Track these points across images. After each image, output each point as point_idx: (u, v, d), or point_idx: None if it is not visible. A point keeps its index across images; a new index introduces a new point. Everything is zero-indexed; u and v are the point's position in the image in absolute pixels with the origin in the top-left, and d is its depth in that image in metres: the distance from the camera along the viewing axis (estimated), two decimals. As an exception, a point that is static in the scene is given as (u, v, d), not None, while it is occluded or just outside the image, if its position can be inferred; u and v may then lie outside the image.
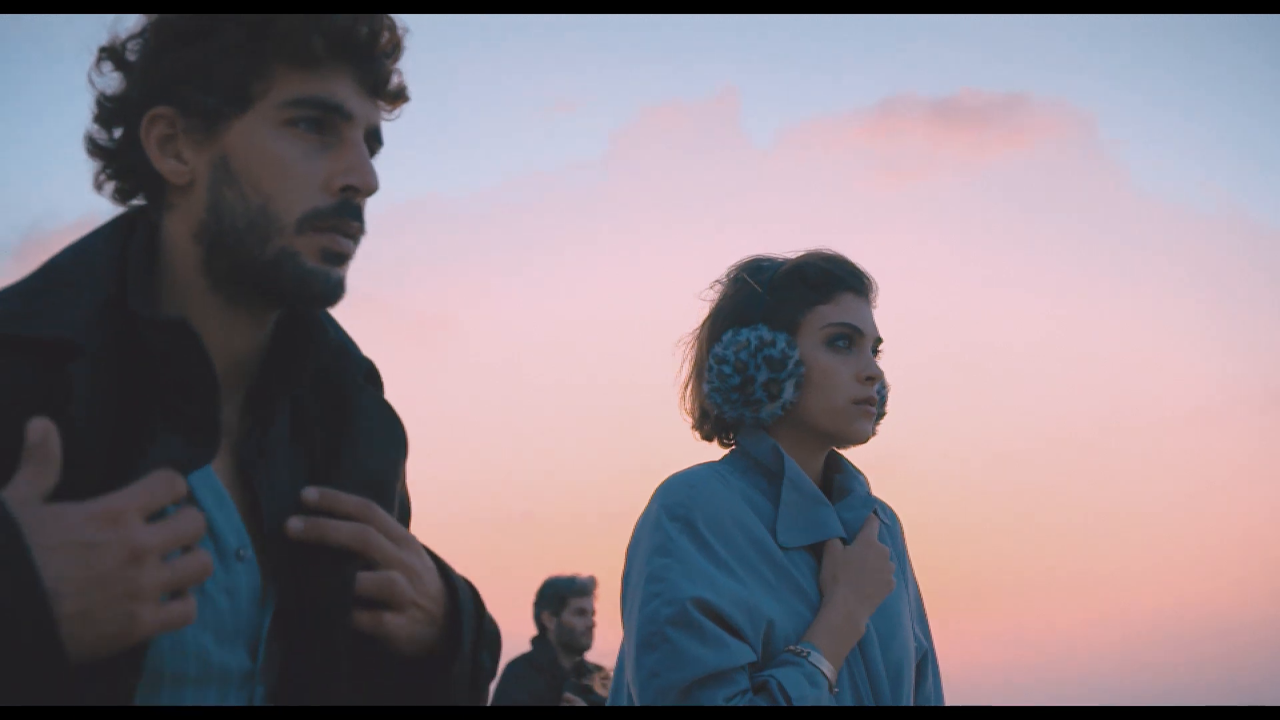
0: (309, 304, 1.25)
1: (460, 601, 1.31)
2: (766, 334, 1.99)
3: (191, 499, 1.18)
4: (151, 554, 0.98)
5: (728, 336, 2.02)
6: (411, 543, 1.28)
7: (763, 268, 2.09)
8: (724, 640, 1.81)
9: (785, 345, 1.98)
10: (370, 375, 1.40)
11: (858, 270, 2.07)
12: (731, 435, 2.11)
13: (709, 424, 2.11)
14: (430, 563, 1.31)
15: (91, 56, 1.28)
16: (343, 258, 1.25)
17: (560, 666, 5.32)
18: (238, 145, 1.22)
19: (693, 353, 2.12)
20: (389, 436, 1.38)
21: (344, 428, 1.32)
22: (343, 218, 1.24)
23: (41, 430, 1.02)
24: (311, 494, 1.23)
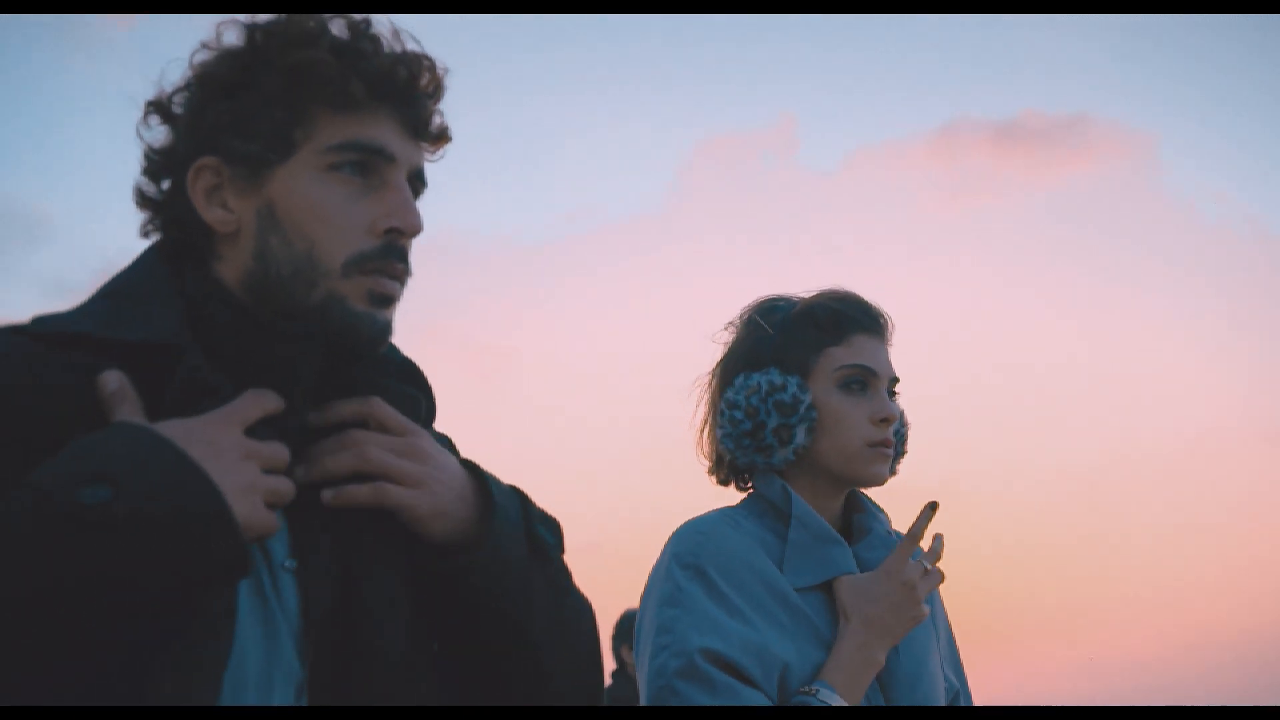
0: (356, 348, 1.26)
1: (484, 475, 1.34)
2: (777, 378, 1.95)
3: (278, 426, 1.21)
4: (259, 457, 1.12)
5: (739, 381, 1.98)
6: (416, 430, 1.31)
7: (776, 309, 2.05)
8: (735, 689, 1.76)
9: (797, 389, 1.94)
10: (405, 372, 1.39)
11: (871, 309, 2.02)
12: (748, 479, 2.07)
13: (724, 469, 2.08)
14: (440, 447, 1.33)
15: (139, 110, 1.31)
16: (389, 300, 1.26)
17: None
18: (282, 192, 1.24)
19: (707, 396, 2.09)
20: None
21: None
22: (388, 260, 1.24)
23: (116, 377, 1.13)
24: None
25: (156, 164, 1.30)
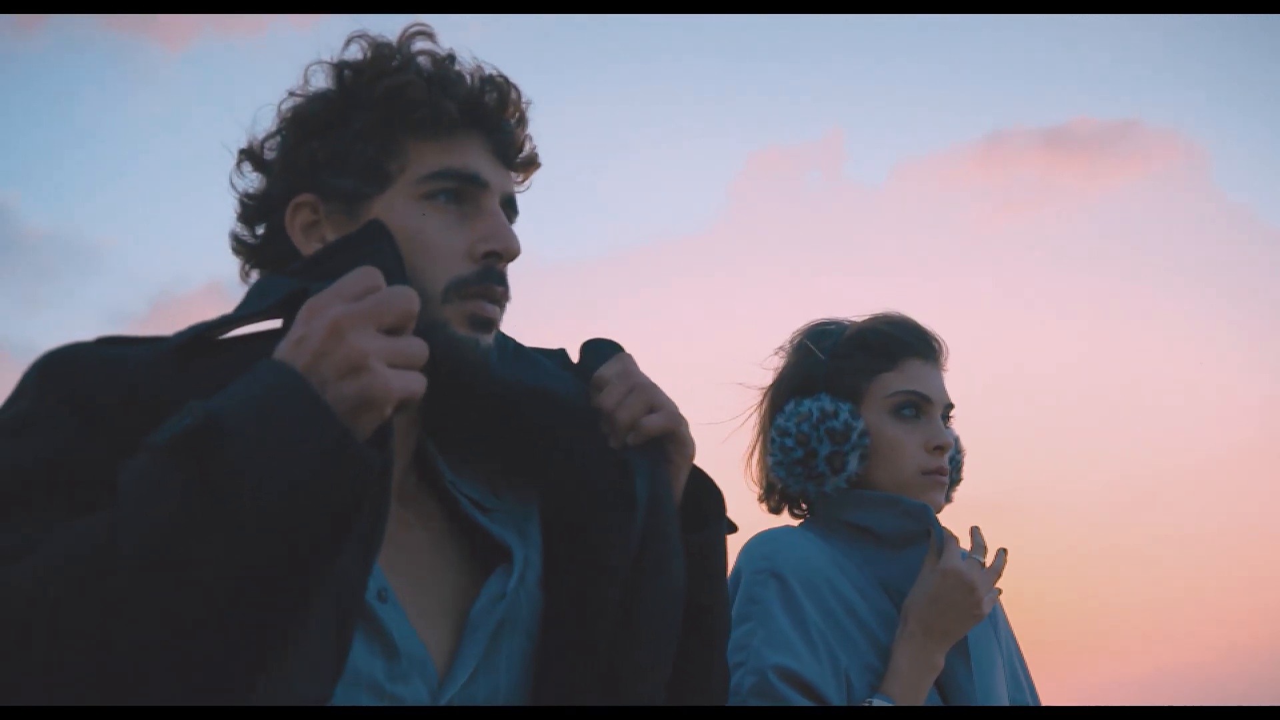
0: (461, 374, 1.24)
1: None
2: (829, 404, 1.91)
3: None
4: (357, 324, 0.97)
5: (789, 407, 1.94)
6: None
7: (827, 333, 2.00)
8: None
9: (849, 416, 1.89)
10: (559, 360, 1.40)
11: (924, 333, 1.96)
12: (804, 506, 2.02)
13: (775, 496, 2.03)
14: None
15: (231, 158, 1.33)
16: (490, 324, 1.25)
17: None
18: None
19: (757, 422, 2.04)
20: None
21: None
22: (487, 284, 1.24)
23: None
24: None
25: (252, 209, 1.31)
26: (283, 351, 0.98)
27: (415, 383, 0.99)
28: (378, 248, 1.18)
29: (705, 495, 1.38)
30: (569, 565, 1.28)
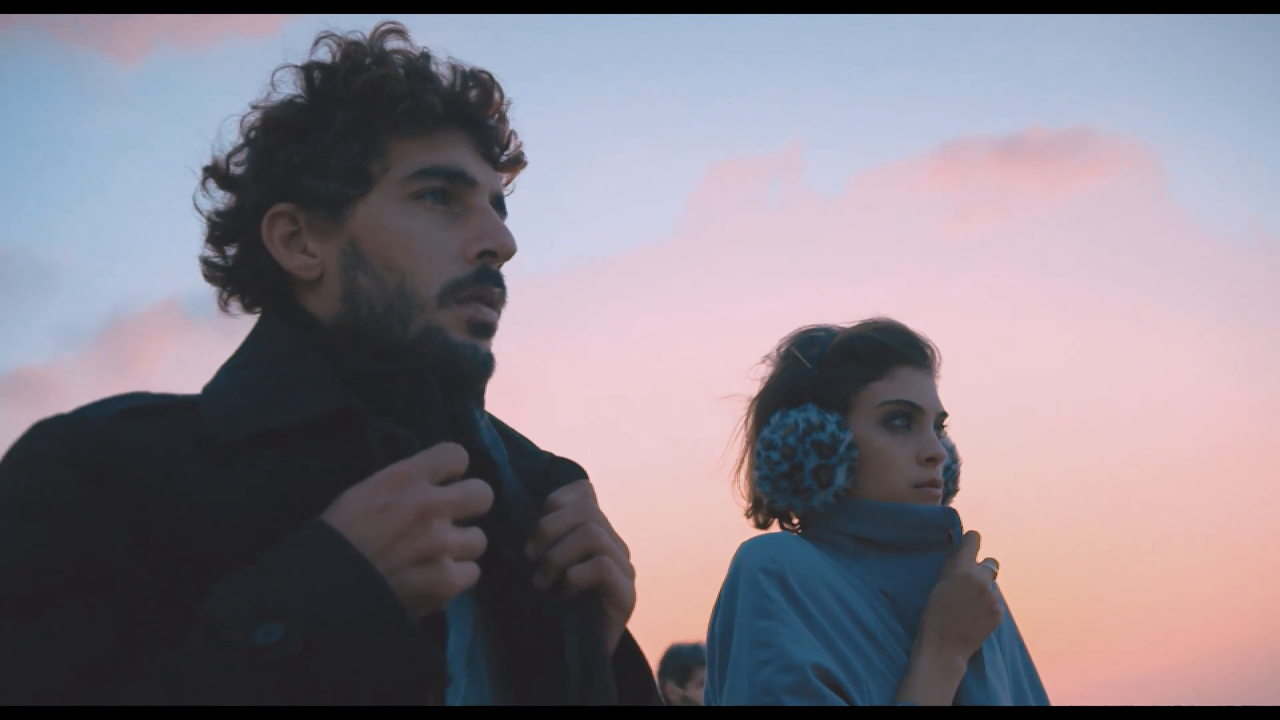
0: (460, 382, 1.18)
1: None
2: (815, 416, 1.84)
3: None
4: (442, 513, 0.98)
5: (775, 419, 1.87)
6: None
7: (815, 340, 1.93)
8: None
9: (836, 428, 1.82)
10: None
11: (916, 340, 1.89)
12: (794, 521, 1.95)
13: (762, 511, 1.95)
14: None
15: (193, 177, 1.26)
16: (488, 328, 1.19)
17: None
18: (365, 227, 1.18)
19: (743, 434, 1.97)
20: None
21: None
22: (484, 285, 1.18)
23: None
24: (528, 547, 1.18)
25: (222, 228, 1.24)
26: (361, 515, 0.97)
27: (472, 576, 1.00)
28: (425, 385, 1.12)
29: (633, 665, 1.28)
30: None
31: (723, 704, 1.76)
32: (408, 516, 0.96)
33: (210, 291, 1.27)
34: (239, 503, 1.04)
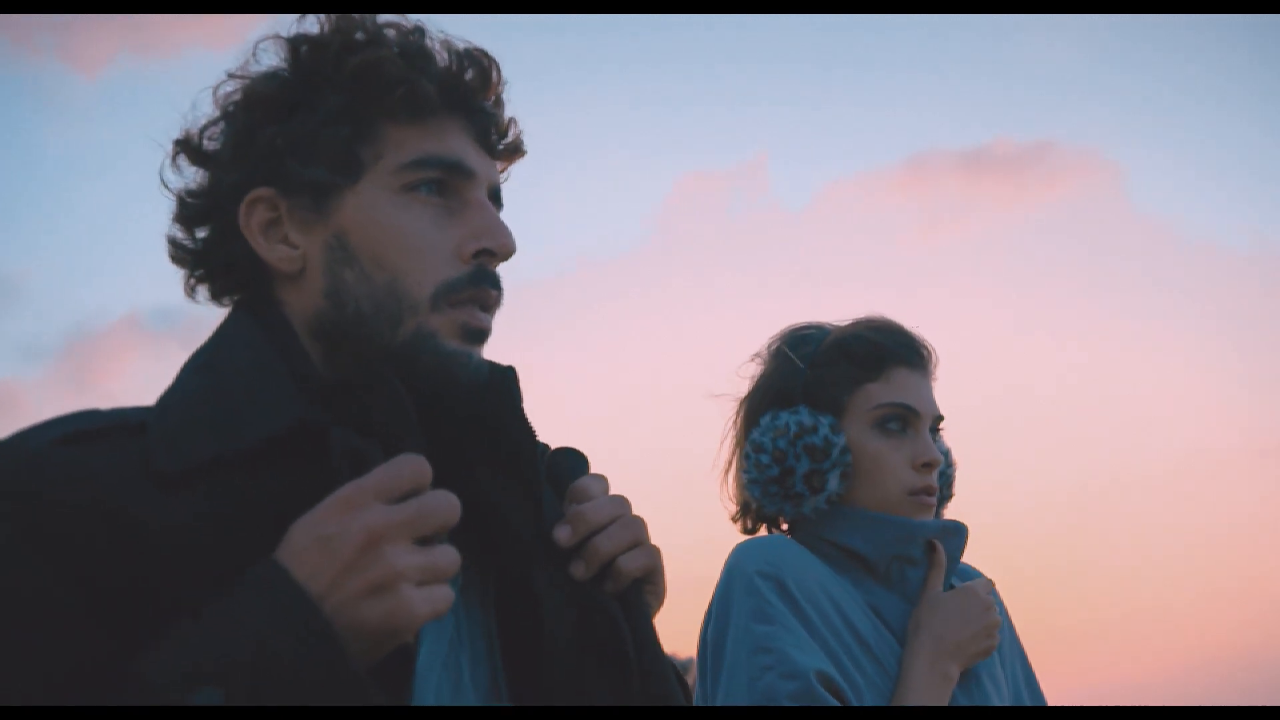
0: (448, 392, 1.08)
1: None
2: (807, 418, 1.76)
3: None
4: (395, 536, 0.89)
5: (765, 421, 1.80)
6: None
7: (807, 339, 1.85)
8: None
9: (829, 431, 1.75)
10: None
11: (912, 340, 1.82)
12: (783, 527, 1.87)
13: (750, 516, 1.88)
14: None
15: (166, 152, 1.16)
16: (482, 334, 1.10)
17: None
18: (353, 220, 1.09)
19: (732, 436, 1.89)
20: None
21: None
22: (480, 287, 1.10)
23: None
24: (563, 532, 1.12)
25: (194, 208, 1.14)
26: (306, 547, 0.89)
27: (442, 601, 0.91)
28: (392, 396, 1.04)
29: None
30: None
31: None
32: (353, 545, 0.88)
33: (177, 283, 1.17)
34: (193, 535, 0.95)
